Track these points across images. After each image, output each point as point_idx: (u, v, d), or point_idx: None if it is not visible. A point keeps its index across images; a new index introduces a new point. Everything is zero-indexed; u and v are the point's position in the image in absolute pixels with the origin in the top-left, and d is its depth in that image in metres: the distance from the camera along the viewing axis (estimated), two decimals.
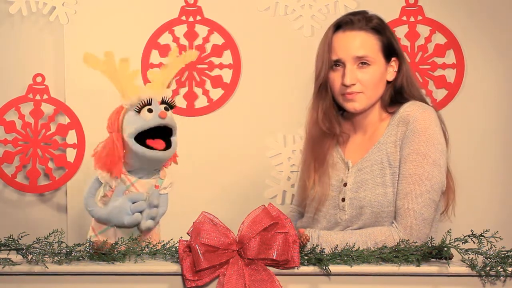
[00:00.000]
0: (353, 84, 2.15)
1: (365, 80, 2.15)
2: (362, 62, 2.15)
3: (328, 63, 2.18)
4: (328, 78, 2.19)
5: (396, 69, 2.21)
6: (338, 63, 2.17)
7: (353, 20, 2.18)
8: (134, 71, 2.13)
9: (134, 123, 2.07)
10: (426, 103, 2.23)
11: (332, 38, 2.18)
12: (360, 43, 2.16)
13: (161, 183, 2.15)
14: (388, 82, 2.22)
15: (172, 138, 2.10)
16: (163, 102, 2.09)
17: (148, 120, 2.06)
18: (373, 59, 2.16)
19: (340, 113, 2.28)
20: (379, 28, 2.19)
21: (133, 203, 2.08)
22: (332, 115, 2.23)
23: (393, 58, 2.20)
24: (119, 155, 2.09)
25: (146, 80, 2.78)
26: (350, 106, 2.18)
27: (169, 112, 2.10)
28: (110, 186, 2.13)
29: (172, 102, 2.12)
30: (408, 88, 2.22)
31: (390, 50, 2.20)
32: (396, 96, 2.22)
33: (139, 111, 2.07)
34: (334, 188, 2.20)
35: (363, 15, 2.20)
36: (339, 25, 2.19)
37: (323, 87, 2.20)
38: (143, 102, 2.06)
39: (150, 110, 2.06)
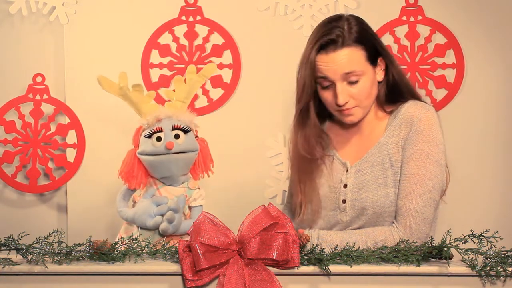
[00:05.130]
0: (347, 102, 2.12)
1: (358, 95, 2.12)
2: (351, 80, 2.10)
3: (311, 85, 2.13)
4: (311, 102, 2.16)
5: (383, 67, 2.18)
6: (326, 81, 2.12)
7: (334, 40, 2.09)
8: (149, 93, 2.21)
9: (145, 147, 2.15)
10: (422, 100, 2.22)
11: (316, 60, 2.11)
12: (346, 61, 2.09)
13: (190, 193, 2.18)
14: (379, 82, 2.19)
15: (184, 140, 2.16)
16: (175, 128, 2.15)
17: (157, 147, 2.13)
18: (361, 71, 2.11)
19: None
20: (361, 36, 2.12)
21: (157, 206, 2.12)
22: (313, 140, 2.19)
23: (379, 58, 2.17)
24: (136, 169, 2.18)
25: (145, 81, 2.79)
26: (348, 120, 2.16)
27: (187, 135, 2.16)
28: (140, 192, 2.20)
29: (185, 128, 2.15)
30: (402, 83, 2.20)
31: (375, 54, 2.15)
32: (391, 93, 2.20)
33: (149, 137, 2.14)
34: (333, 190, 2.19)
35: (342, 27, 2.11)
36: (321, 47, 2.11)
37: (304, 112, 2.17)
38: (153, 130, 2.14)
39: (159, 138, 2.12)
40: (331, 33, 2.11)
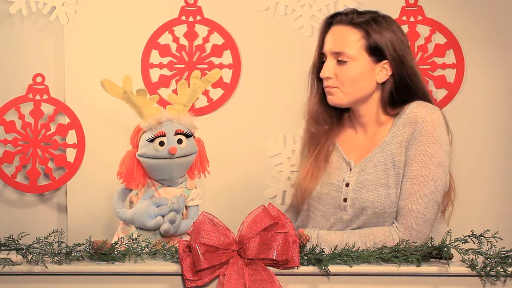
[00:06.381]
0: (329, 78, 2.16)
1: (342, 76, 2.15)
2: (340, 59, 2.15)
3: (318, 56, 2.22)
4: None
5: (389, 72, 2.17)
6: (324, 57, 2.19)
7: (342, 15, 2.19)
8: (152, 97, 2.21)
9: (146, 150, 2.14)
10: (431, 103, 2.21)
11: (324, 31, 2.22)
12: (339, 39, 2.16)
13: (188, 193, 2.19)
14: (383, 84, 2.18)
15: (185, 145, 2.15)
16: (178, 133, 2.15)
17: (159, 151, 2.13)
18: (352, 55, 2.14)
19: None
20: (369, 25, 2.15)
21: (157, 207, 2.13)
22: (323, 105, 2.24)
23: (384, 61, 2.16)
24: (136, 170, 2.18)
25: (145, 81, 2.79)
26: (328, 99, 2.20)
27: (189, 139, 2.16)
28: (137, 192, 2.20)
29: (188, 132, 2.15)
30: (416, 88, 2.18)
31: (380, 51, 2.15)
32: (400, 97, 2.18)
33: (152, 141, 2.12)
34: (335, 188, 2.19)
35: (358, 11, 2.19)
36: (330, 22, 2.22)
37: (313, 78, 2.24)
38: (156, 134, 2.13)
39: (161, 143, 2.11)
40: (349, 11, 2.19)
